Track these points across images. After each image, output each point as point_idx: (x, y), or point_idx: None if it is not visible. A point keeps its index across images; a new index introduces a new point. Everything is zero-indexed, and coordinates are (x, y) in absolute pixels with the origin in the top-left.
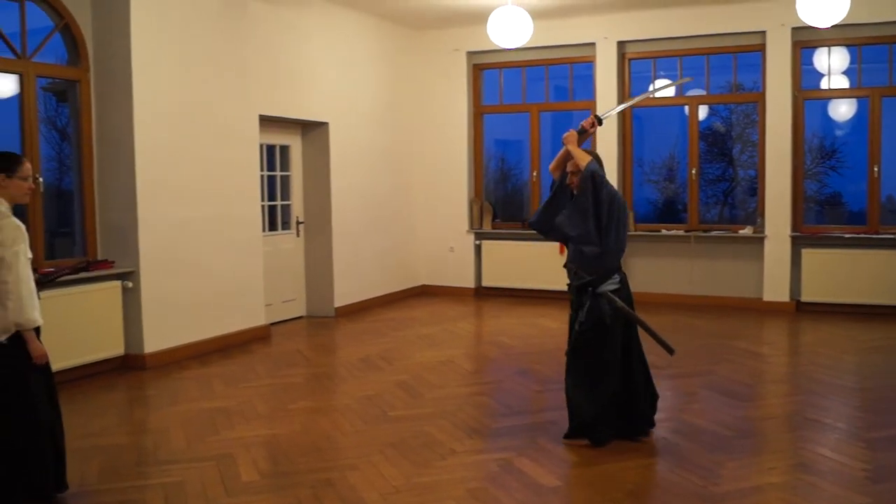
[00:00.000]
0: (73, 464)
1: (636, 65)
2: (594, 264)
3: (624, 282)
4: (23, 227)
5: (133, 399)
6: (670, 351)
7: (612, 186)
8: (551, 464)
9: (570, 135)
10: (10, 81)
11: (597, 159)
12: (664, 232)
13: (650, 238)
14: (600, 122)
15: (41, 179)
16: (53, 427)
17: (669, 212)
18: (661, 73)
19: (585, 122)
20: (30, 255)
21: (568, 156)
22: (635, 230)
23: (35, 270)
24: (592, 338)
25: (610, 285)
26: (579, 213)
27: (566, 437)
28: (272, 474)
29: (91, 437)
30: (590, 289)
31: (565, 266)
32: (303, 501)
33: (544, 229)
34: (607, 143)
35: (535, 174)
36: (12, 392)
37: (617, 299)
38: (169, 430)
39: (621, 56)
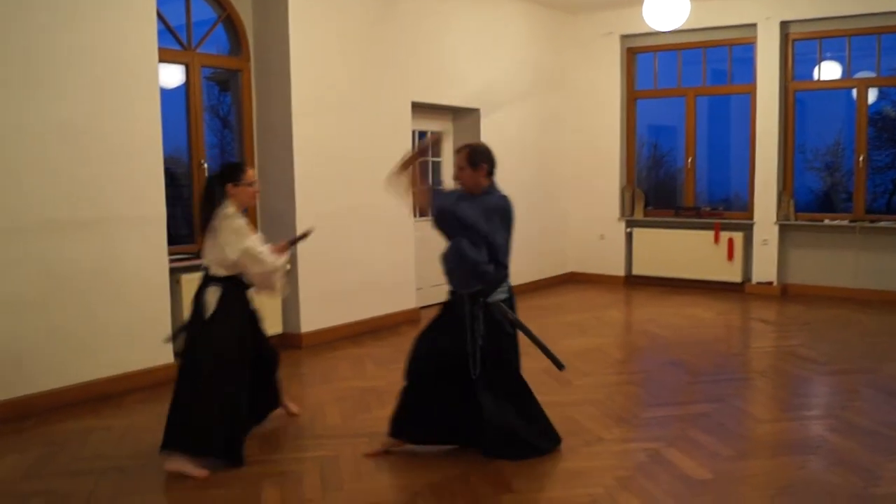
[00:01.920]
0: None
1: (800, 46)
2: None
3: (511, 291)
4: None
5: (290, 375)
6: (560, 367)
7: (464, 207)
8: (702, 456)
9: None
10: (177, 71)
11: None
12: (827, 222)
13: (811, 228)
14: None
15: (206, 165)
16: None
17: (833, 201)
18: (828, 54)
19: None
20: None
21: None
22: (796, 219)
23: None
24: (503, 349)
25: (500, 294)
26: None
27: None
28: (421, 453)
29: None
30: (481, 299)
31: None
32: (452, 481)
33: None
34: (767, 128)
35: (689, 160)
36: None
37: (508, 310)
38: (324, 407)
39: (784, 37)
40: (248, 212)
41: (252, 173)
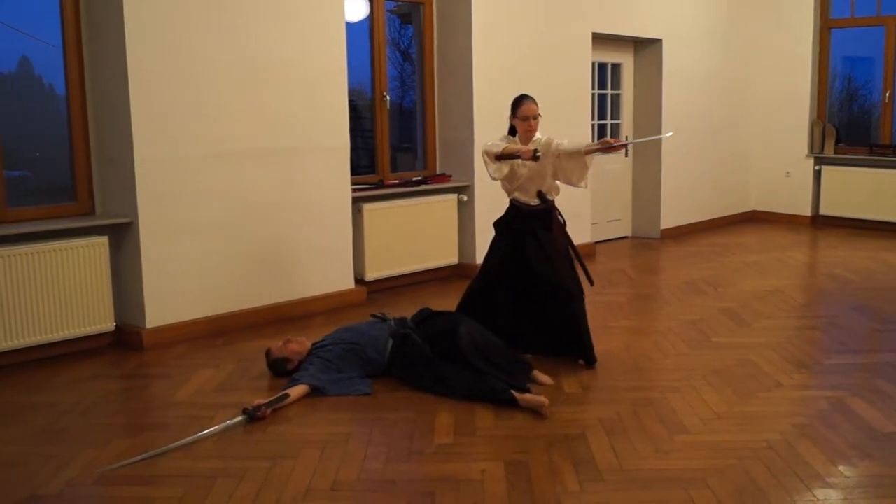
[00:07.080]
0: None
1: None
2: None
3: None
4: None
5: None
6: None
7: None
8: (888, 408)
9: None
10: (361, 5)
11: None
12: None
13: None
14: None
15: (387, 97)
16: None
17: None
18: None
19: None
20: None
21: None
22: None
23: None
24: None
25: None
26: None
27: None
28: (592, 388)
29: None
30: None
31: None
32: (622, 417)
33: None
34: None
35: (887, 94)
36: None
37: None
38: None
39: None
40: None
41: (526, 108)
